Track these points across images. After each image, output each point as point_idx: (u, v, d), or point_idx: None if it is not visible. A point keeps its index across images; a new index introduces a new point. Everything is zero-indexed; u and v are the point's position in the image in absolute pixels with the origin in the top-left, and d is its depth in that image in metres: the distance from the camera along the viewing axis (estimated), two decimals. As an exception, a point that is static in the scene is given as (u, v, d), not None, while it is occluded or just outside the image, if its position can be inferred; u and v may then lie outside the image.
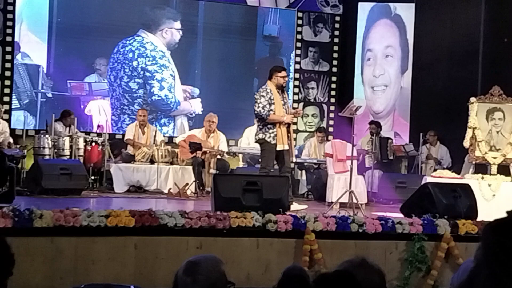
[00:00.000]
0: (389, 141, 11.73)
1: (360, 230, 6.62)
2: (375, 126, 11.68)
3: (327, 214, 6.91)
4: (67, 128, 10.98)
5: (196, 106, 12.91)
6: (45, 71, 12.09)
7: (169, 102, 12.71)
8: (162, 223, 6.09)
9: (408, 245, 6.75)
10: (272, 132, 8.17)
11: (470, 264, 2.53)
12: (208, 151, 10.53)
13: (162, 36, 12.71)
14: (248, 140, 11.49)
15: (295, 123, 8.41)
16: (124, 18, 12.58)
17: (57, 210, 5.90)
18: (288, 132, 8.28)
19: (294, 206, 7.99)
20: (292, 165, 10.62)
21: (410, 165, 11.86)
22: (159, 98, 12.66)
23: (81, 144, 10.64)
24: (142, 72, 12.59)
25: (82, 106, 12.28)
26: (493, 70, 11.50)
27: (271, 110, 8.14)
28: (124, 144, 11.35)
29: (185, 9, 13.00)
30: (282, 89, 8.36)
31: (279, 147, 8.15)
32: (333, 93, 13.47)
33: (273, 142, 8.15)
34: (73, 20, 12.28)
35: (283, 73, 8.36)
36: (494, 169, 8.97)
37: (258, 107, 8.17)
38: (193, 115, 12.90)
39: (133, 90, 12.56)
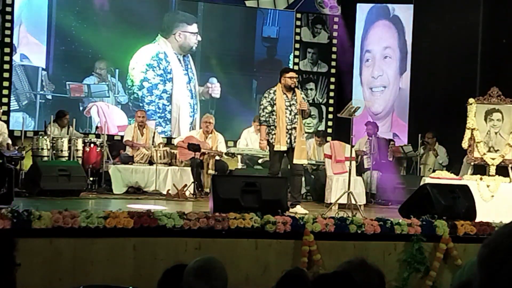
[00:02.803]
0: (391, 142, 11.75)
1: (359, 231, 6.62)
2: (372, 127, 11.68)
3: (326, 215, 6.92)
4: (63, 129, 10.96)
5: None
6: (44, 73, 12.09)
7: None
8: (160, 224, 6.09)
9: (406, 246, 6.75)
10: (274, 134, 8.31)
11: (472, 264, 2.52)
12: (206, 152, 10.54)
13: (175, 39, 12.81)
14: (246, 142, 11.49)
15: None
16: (126, 20, 12.58)
17: (56, 211, 5.89)
18: (292, 132, 8.33)
19: (298, 209, 8.01)
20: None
21: (409, 166, 11.86)
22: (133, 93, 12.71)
23: (80, 145, 10.63)
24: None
25: (81, 108, 12.30)
26: (492, 71, 11.50)
27: (273, 111, 8.32)
28: (123, 145, 11.35)
29: (184, 10, 13.00)
30: (291, 90, 8.42)
31: (276, 147, 8.30)
32: (331, 94, 13.48)
33: (274, 143, 8.29)
34: (73, 20, 12.28)
35: (291, 74, 8.49)
36: (492, 170, 8.98)
37: (260, 109, 8.51)
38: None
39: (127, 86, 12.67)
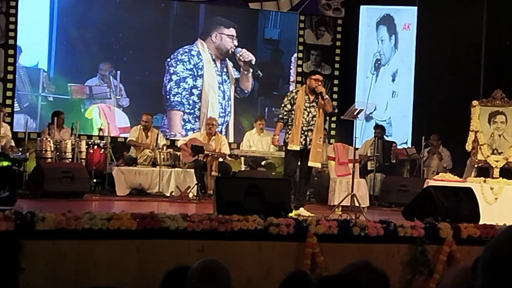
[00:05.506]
0: (393, 144, 11.73)
1: (362, 234, 6.61)
2: (380, 130, 11.69)
3: (329, 217, 6.91)
4: (61, 130, 10.98)
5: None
6: (45, 74, 12.09)
7: (168, 96, 12.71)
8: (164, 226, 6.08)
9: (410, 248, 6.74)
10: (290, 133, 8.29)
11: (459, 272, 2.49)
12: (210, 154, 10.53)
13: (212, 40, 12.91)
14: (249, 144, 11.50)
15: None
16: (125, 22, 12.60)
17: (59, 213, 5.90)
18: (308, 134, 8.31)
19: (301, 211, 8.00)
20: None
21: (412, 168, 11.84)
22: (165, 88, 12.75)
23: (83, 147, 10.64)
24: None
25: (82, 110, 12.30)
26: (495, 73, 11.50)
27: (292, 110, 8.32)
28: (126, 147, 11.35)
29: (186, 12, 13.00)
30: (315, 93, 8.40)
31: (289, 147, 8.31)
32: (335, 96, 13.44)
33: (288, 142, 8.31)
34: (75, 23, 12.29)
35: (316, 76, 8.52)
36: (496, 172, 8.96)
37: (280, 106, 8.55)
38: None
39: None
